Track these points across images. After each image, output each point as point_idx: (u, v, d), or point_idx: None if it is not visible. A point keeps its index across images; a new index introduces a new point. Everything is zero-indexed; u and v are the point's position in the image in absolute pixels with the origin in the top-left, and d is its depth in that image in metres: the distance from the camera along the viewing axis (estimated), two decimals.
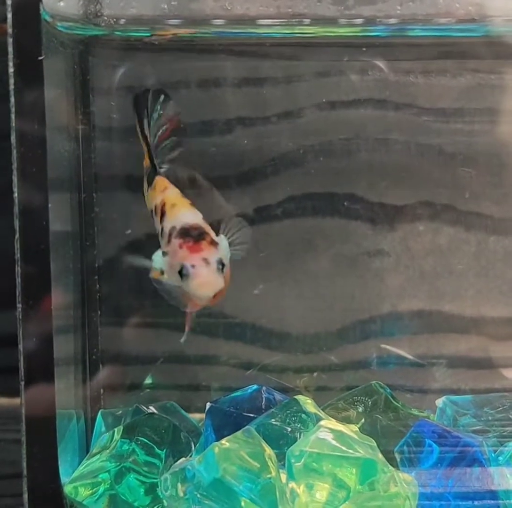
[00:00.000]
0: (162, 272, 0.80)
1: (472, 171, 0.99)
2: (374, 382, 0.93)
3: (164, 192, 0.84)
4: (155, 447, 0.84)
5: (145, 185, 0.88)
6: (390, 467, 0.78)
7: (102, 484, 0.82)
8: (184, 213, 0.81)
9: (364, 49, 0.94)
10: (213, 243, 0.79)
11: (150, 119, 0.86)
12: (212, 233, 0.80)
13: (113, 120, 0.97)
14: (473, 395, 0.94)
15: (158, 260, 0.80)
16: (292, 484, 0.77)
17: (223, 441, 0.78)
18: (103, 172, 0.96)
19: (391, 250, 1.00)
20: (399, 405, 0.91)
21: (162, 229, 0.82)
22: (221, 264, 0.78)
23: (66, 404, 0.89)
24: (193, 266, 0.78)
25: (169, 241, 0.80)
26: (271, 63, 0.97)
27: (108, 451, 0.84)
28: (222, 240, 0.81)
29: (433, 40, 0.92)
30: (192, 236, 0.79)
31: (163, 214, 0.83)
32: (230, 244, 0.83)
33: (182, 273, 0.78)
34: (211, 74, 0.97)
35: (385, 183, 0.99)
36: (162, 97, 0.89)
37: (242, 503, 0.76)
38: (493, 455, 0.82)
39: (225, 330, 1.01)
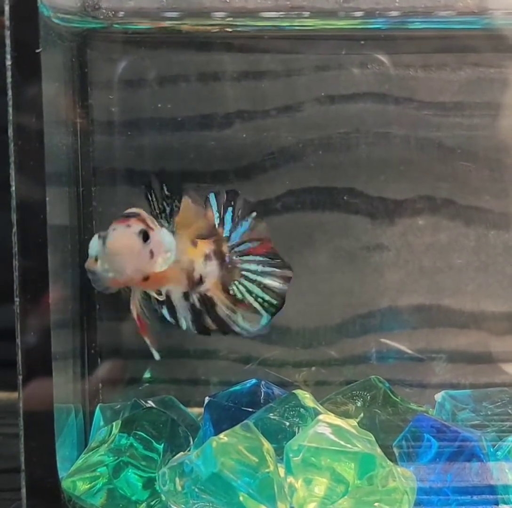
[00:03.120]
0: (96, 260, 0.79)
1: (471, 165, 0.98)
2: (373, 376, 0.93)
3: None
4: (153, 441, 0.84)
5: None
6: (389, 462, 0.78)
7: (100, 478, 0.82)
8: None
9: (362, 42, 0.93)
10: (144, 222, 0.77)
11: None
12: (151, 223, 0.78)
13: (111, 114, 0.96)
14: (472, 389, 0.94)
15: (94, 246, 0.78)
16: (290, 479, 0.77)
17: (221, 435, 0.78)
18: (101, 166, 0.96)
19: (391, 244, 1.00)
20: (398, 400, 0.91)
21: None
22: (145, 235, 0.76)
23: (64, 398, 0.89)
24: (114, 229, 0.76)
25: None
26: (270, 56, 0.97)
27: (106, 445, 0.84)
28: (164, 232, 0.79)
29: (432, 33, 0.92)
30: (124, 215, 0.78)
31: None
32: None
33: (104, 239, 0.76)
34: (211, 67, 0.97)
35: (384, 177, 0.99)
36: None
37: (240, 498, 0.76)
38: (491, 449, 0.82)
39: None
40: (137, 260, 0.77)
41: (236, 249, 0.87)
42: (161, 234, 0.79)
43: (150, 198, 0.81)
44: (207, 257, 0.84)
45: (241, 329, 0.86)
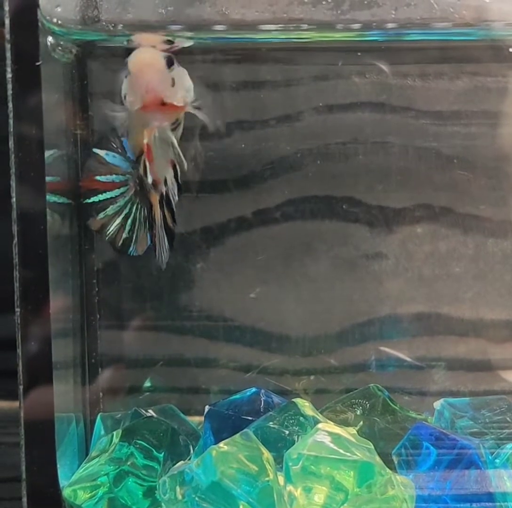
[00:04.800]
0: (124, 97, 0.81)
1: (469, 174, 0.99)
2: (372, 385, 0.93)
3: None
4: (153, 450, 0.84)
5: None
6: (388, 470, 0.78)
7: (101, 488, 0.82)
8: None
9: (359, 54, 0.94)
10: (170, 54, 0.80)
11: None
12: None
13: (111, 125, 0.97)
14: (471, 397, 0.94)
15: (124, 86, 0.81)
16: (290, 487, 0.77)
17: (221, 444, 0.78)
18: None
19: (390, 253, 1.00)
20: (397, 408, 0.91)
21: None
22: (170, 61, 0.79)
23: (65, 407, 0.89)
24: (139, 50, 0.79)
25: None
26: (269, 67, 0.98)
27: (107, 454, 0.84)
28: (182, 70, 0.81)
29: (430, 44, 0.92)
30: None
31: None
32: None
33: (129, 57, 0.79)
34: (209, 78, 0.98)
35: (383, 186, 0.99)
36: None
37: (240, 506, 0.76)
38: (490, 457, 0.82)
39: (224, 333, 1.01)
40: (159, 79, 0.79)
41: None
42: (184, 73, 0.81)
43: None
44: None
45: None
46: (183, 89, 0.81)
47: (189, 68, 0.97)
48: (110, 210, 0.86)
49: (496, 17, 0.85)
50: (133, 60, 0.79)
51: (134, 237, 0.87)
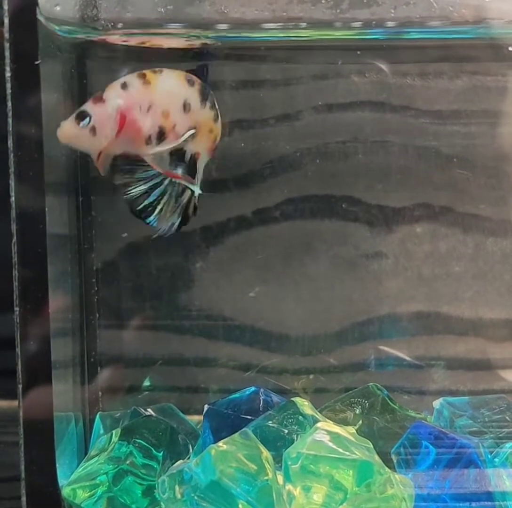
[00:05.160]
0: None
1: (469, 173, 0.99)
2: (371, 384, 0.93)
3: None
4: (152, 449, 0.84)
5: None
6: (387, 469, 0.78)
7: (100, 487, 0.82)
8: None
9: (358, 52, 0.94)
10: (96, 99, 0.82)
11: None
12: (112, 93, 0.82)
13: None
14: (470, 396, 0.94)
15: None
16: (289, 486, 0.77)
17: (220, 443, 0.78)
18: (100, 175, 0.96)
19: (389, 252, 1.00)
20: (396, 407, 0.91)
21: None
22: (82, 117, 0.81)
23: (64, 406, 0.89)
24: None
25: None
26: (268, 66, 0.98)
27: (106, 453, 0.84)
28: (112, 103, 0.82)
29: (429, 43, 0.92)
30: None
31: None
32: None
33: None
34: (210, 77, 0.97)
35: (382, 185, 0.99)
36: None
37: (240, 505, 0.76)
38: (489, 456, 0.82)
39: (224, 332, 1.01)
40: (80, 143, 0.82)
41: None
42: (110, 105, 0.82)
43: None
44: None
45: None
46: (108, 126, 0.82)
47: (188, 67, 0.98)
48: (139, 174, 0.85)
49: (495, 15, 0.85)
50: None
51: (158, 209, 0.86)
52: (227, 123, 0.92)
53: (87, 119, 0.81)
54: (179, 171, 0.87)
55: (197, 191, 0.87)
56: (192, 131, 0.85)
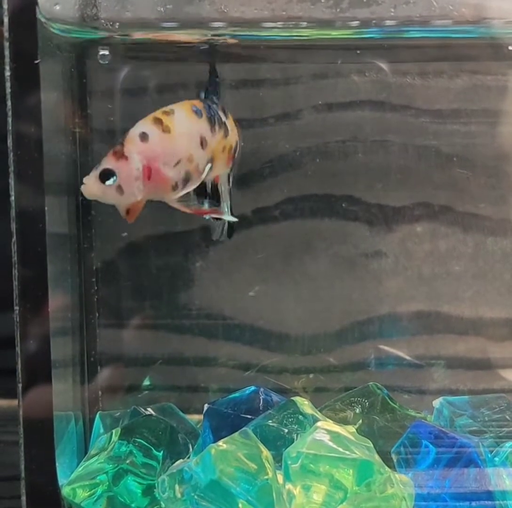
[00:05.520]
0: None
1: (469, 173, 0.99)
2: (371, 383, 0.93)
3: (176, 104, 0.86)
4: (152, 448, 0.84)
5: None
6: (387, 468, 0.78)
7: (100, 486, 0.82)
8: (138, 122, 0.83)
9: (358, 52, 0.94)
10: (116, 155, 0.80)
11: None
12: (134, 148, 0.80)
13: (110, 123, 0.97)
14: (470, 396, 0.94)
15: None
16: (289, 486, 0.77)
17: (220, 442, 0.78)
18: None
19: (389, 251, 1.00)
20: (396, 406, 0.91)
21: None
22: (106, 175, 0.79)
23: (64, 406, 0.89)
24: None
25: None
26: (268, 65, 0.98)
27: (106, 452, 0.84)
28: (134, 158, 0.81)
29: (429, 42, 0.92)
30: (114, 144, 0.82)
31: None
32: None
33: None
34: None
35: (382, 185, 0.99)
36: None
37: (239, 505, 0.76)
38: (489, 456, 0.82)
39: (224, 331, 1.01)
40: (106, 200, 0.81)
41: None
42: (133, 162, 0.80)
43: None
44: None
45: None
46: (134, 183, 0.81)
47: (187, 68, 0.98)
48: None
49: (495, 15, 0.85)
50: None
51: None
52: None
53: (113, 178, 0.79)
54: (206, 205, 0.86)
55: (229, 218, 0.86)
56: (209, 165, 0.84)
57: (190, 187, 0.83)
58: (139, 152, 0.80)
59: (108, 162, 0.79)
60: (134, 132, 0.81)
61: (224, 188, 0.88)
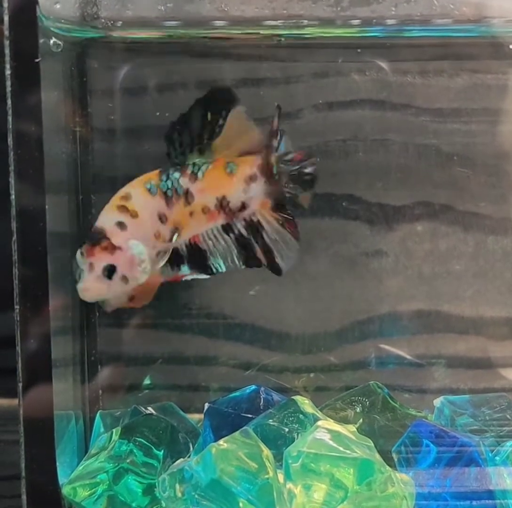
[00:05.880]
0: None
1: (469, 172, 0.99)
2: (372, 382, 0.93)
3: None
4: (153, 448, 0.84)
5: None
6: (388, 467, 0.78)
7: (101, 485, 0.82)
8: (101, 214, 0.83)
9: (359, 50, 0.94)
10: (109, 249, 0.80)
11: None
12: (119, 237, 0.81)
13: (111, 122, 0.97)
14: (471, 395, 0.94)
15: (79, 260, 0.82)
16: (289, 485, 0.77)
17: (221, 442, 0.78)
18: (100, 173, 0.97)
19: (390, 250, 1.00)
20: (396, 405, 0.91)
21: None
22: (109, 270, 0.80)
23: (64, 405, 0.89)
24: (81, 270, 0.81)
25: None
26: (269, 64, 0.98)
27: (106, 452, 0.84)
28: (133, 245, 0.81)
29: (430, 41, 0.92)
30: (91, 239, 0.81)
31: None
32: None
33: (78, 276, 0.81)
34: (209, 75, 0.98)
35: (383, 184, 0.99)
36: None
37: (240, 504, 0.76)
38: (490, 455, 0.82)
39: (224, 330, 1.01)
40: (112, 295, 0.81)
41: (285, 158, 0.86)
42: (130, 249, 0.81)
43: (173, 145, 0.82)
44: (251, 178, 0.83)
45: (281, 261, 0.85)
46: (136, 269, 0.81)
47: (188, 67, 0.98)
48: None
49: (496, 14, 0.85)
50: (79, 289, 0.80)
51: None
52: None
53: (115, 271, 0.80)
54: (185, 268, 0.86)
55: (202, 276, 0.85)
56: (175, 235, 0.84)
57: (163, 260, 0.83)
58: (126, 239, 0.81)
59: (103, 259, 0.79)
60: (109, 223, 0.81)
61: (213, 242, 0.86)
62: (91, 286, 0.80)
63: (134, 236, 0.81)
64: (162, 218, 0.83)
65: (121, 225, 0.81)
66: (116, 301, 0.82)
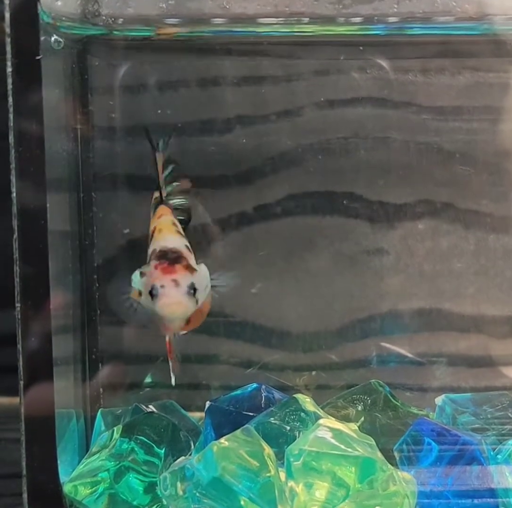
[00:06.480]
0: (140, 293, 0.80)
1: (471, 170, 0.99)
2: (373, 380, 0.93)
3: (159, 219, 0.85)
4: (154, 446, 0.84)
5: (151, 213, 0.88)
6: (389, 466, 0.78)
7: (102, 483, 0.82)
8: (166, 238, 0.82)
9: (361, 48, 0.94)
10: (189, 268, 0.79)
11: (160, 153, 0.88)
12: (192, 260, 0.81)
13: (112, 120, 0.97)
14: (472, 393, 0.94)
15: (136, 280, 0.81)
16: (291, 483, 0.77)
17: (222, 440, 0.78)
18: (102, 171, 0.97)
19: (391, 248, 1.00)
20: (398, 404, 0.91)
21: (148, 252, 0.83)
22: (193, 288, 0.78)
23: (65, 403, 0.89)
24: (162, 286, 0.78)
25: (149, 262, 0.81)
26: (270, 62, 0.98)
27: (107, 450, 0.84)
28: (202, 268, 0.81)
29: (431, 38, 0.92)
30: (168, 258, 0.80)
31: (152, 238, 0.84)
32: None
33: (152, 293, 0.78)
34: (210, 73, 0.97)
35: (384, 182, 0.99)
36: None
37: (242, 502, 0.76)
38: (492, 453, 0.82)
39: (225, 328, 1.01)
40: (188, 312, 0.79)
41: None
42: (203, 271, 0.81)
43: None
44: None
45: None
46: (203, 292, 0.80)
47: (189, 64, 0.98)
48: None
49: (498, 11, 0.85)
50: (160, 303, 0.78)
51: None
52: None
53: (194, 289, 0.78)
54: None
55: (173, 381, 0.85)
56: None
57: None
58: (195, 262, 0.81)
59: (186, 278, 0.78)
60: (181, 245, 0.81)
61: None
62: (183, 301, 0.78)
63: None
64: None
65: (189, 248, 0.81)
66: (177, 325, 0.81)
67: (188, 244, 0.82)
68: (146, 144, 0.96)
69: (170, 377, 0.86)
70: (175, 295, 0.77)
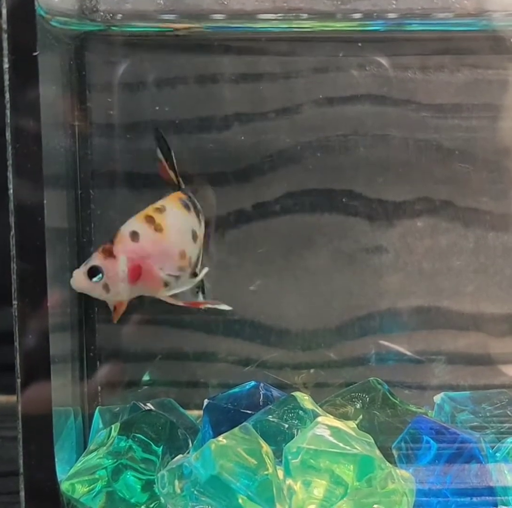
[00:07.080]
0: None
1: (470, 167, 0.98)
2: (372, 378, 0.93)
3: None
4: (152, 444, 0.84)
5: None
6: (388, 464, 0.78)
7: (99, 481, 0.82)
8: (131, 218, 0.84)
9: (360, 44, 0.94)
10: (104, 253, 0.82)
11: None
12: (124, 247, 0.82)
13: (110, 117, 0.97)
14: (471, 391, 0.94)
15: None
16: (289, 481, 0.77)
17: (220, 438, 0.78)
18: (99, 168, 0.96)
19: (390, 246, 1.00)
20: (397, 402, 0.91)
21: None
22: (92, 272, 0.82)
23: (63, 401, 0.89)
24: None
25: None
26: (268, 58, 0.97)
27: (105, 448, 0.84)
28: (122, 260, 0.82)
29: (430, 35, 0.92)
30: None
31: None
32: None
33: None
34: (209, 70, 0.97)
35: (383, 179, 0.99)
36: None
37: (239, 500, 0.76)
38: (490, 451, 0.82)
39: (223, 326, 1.01)
40: (94, 295, 0.83)
41: None
42: (119, 262, 0.82)
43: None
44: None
45: None
46: (120, 283, 0.82)
47: (187, 62, 0.97)
48: None
49: (497, 7, 0.85)
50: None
51: None
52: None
53: (99, 275, 0.81)
54: (200, 297, 0.87)
55: (224, 307, 0.87)
56: (206, 269, 0.85)
57: (183, 286, 0.84)
58: (128, 251, 0.82)
59: (97, 260, 0.82)
60: (125, 230, 0.82)
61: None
62: (76, 278, 0.82)
63: (147, 251, 0.81)
64: (194, 236, 0.85)
65: (134, 235, 0.82)
66: (110, 303, 0.85)
67: (144, 232, 0.82)
68: (144, 141, 0.96)
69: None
70: (77, 271, 0.83)
